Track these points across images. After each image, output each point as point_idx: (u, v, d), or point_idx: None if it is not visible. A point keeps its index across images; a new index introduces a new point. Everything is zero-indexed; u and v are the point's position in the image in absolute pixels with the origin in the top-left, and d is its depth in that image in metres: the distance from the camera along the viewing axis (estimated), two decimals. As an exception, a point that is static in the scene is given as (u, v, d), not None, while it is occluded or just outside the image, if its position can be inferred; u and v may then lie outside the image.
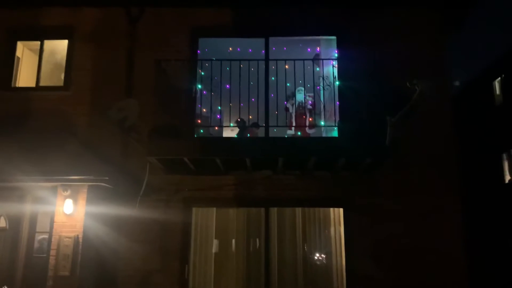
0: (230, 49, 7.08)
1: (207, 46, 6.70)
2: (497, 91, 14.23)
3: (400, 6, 6.51)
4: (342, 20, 6.43)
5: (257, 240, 6.21)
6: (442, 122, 6.21)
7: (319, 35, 6.66)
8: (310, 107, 6.77)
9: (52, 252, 5.46)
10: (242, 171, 6.03)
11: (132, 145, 6.09)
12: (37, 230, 5.90)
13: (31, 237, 5.87)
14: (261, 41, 6.51)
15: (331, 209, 6.31)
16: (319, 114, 6.57)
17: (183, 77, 6.12)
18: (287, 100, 6.65)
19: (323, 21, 6.48)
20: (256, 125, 6.03)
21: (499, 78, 14.11)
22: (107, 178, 5.54)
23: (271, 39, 6.50)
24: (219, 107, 6.18)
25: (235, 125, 6.18)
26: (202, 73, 6.25)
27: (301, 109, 6.77)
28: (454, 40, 13.86)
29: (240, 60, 5.79)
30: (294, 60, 5.80)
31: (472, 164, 14.35)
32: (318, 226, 6.33)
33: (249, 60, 5.87)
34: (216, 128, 6.42)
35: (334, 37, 6.52)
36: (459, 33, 7.32)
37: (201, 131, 6.31)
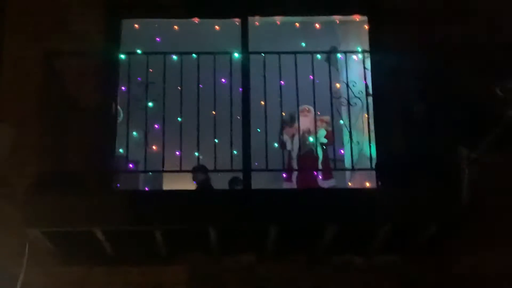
0: (179, 39, 7.27)
1: (136, 33, 6.87)
2: None
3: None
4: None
5: None
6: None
7: (336, 14, 6.85)
8: (325, 140, 6.92)
9: None
10: (200, 256, 6.03)
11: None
12: None
13: None
14: (235, 25, 6.71)
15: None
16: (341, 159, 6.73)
17: (94, 85, 6.23)
18: (283, 128, 6.76)
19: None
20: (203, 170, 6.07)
21: None
22: None
23: (252, 20, 6.71)
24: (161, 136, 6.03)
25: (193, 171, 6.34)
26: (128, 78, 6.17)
27: (308, 144, 6.84)
28: None
29: (198, 53, 5.92)
30: (294, 53, 5.90)
31: None
32: None
33: (214, 53, 5.94)
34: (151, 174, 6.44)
35: (364, 18, 6.72)
36: None
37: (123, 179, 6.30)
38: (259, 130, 6.14)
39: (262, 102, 6.02)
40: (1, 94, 6.47)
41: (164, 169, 6.26)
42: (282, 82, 6.03)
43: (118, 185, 6.36)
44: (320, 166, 6.91)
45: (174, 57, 6.10)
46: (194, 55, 6.10)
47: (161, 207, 5.49)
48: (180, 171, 5.90)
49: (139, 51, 6.31)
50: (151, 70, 5.95)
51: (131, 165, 6.47)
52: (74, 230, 5.54)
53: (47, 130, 5.85)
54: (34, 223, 5.45)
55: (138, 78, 6.23)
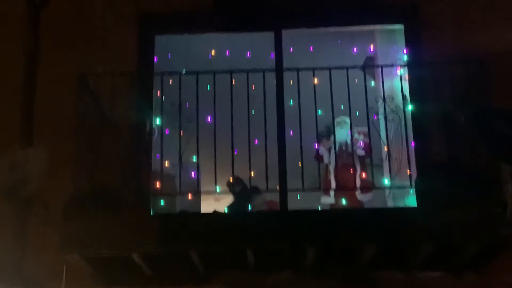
0: (213, 53, 7.44)
1: (171, 49, 6.93)
2: None
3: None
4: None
5: None
6: None
7: (372, 23, 6.80)
8: (362, 152, 6.94)
9: None
10: (238, 273, 6.02)
11: (33, 231, 6.09)
12: None
13: None
14: (268, 36, 6.65)
15: None
16: (379, 165, 6.53)
17: (127, 105, 6.25)
18: (319, 141, 6.76)
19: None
20: (257, 190, 6.16)
21: None
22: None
23: (286, 32, 6.62)
24: (195, 158, 6.10)
25: (225, 190, 6.27)
26: (163, 96, 6.21)
27: (345, 157, 6.79)
28: None
29: (231, 72, 5.92)
30: (329, 68, 5.85)
31: None
32: None
33: (247, 71, 5.91)
34: (190, 196, 6.36)
35: (400, 26, 6.64)
36: None
37: (162, 202, 6.31)
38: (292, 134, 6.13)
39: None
40: (37, 116, 6.51)
41: (201, 185, 6.29)
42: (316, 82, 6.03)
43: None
44: (358, 179, 6.79)
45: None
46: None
47: (197, 230, 5.47)
48: (216, 192, 5.94)
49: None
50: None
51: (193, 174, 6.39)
52: (111, 254, 5.53)
53: (82, 151, 5.87)
54: (71, 248, 5.45)
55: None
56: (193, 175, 6.35)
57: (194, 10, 6.70)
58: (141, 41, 6.69)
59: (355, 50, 7.29)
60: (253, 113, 5.94)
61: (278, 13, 6.61)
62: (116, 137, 6.15)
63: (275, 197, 6.36)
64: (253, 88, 6.01)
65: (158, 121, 6.38)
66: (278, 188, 5.87)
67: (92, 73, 6.06)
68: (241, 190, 6.81)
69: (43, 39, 6.73)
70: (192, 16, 6.70)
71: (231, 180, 6.33)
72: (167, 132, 6.35)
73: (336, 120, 6.62)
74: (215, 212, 6.16)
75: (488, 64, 5.82)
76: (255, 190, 6.40)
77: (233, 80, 5.86)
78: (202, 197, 7.11)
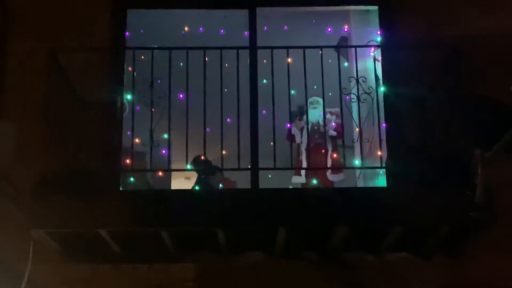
0: (186, 29, 7.34)
1: (143, 24, 6.85)
2: None
3: None
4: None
5: None
6: None
7: (347, 4, 6.74)
8: (334, 133, 6.90)
9: None
10: (209, 254, 6.01)
11: (0, 209, 5.98)
12: None
13: None
14: (242, 14, 6.60)
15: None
16: (351, 147, 6.51)
17: (98, 81, 6.17)
18: (291, 121, 6.74)
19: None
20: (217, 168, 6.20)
21: None
22: None
23: (260, 10, 6.57)
24: (166, 135, 6.05)
25: (194, 167, 6.20)
26: (135, 72, 6.12)
27: (317, 137, 6.73)
28: None
29: (204, 48, 5.85)
30: (303, 47, 5.81)
31: None
32: None
33: (221, 48, 5.87)
34: (161, 173, 6.29)
35: (374, 7, 6.62)
36: None
37: (132, 179, 6.24)
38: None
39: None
40: (6, 91, 6.41)
41: (172, 162, 6.23)
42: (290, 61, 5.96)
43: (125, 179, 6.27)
44: (329, 159, 6.77)
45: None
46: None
47: (168, 208, 5.44)
48: (185, 170, 5.85)
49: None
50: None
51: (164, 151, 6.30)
52: (78, 230, 5.50)
53: (52, 127, 5.78)
54: (38, 224, 5.40)
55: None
56: (164, 153, 6.27)
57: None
58: (112, 15, 6.58)
59: (329, 30, 7.23)
60: (225, 91, 5.88)
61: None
62: (86, 114, 6.04)
63: (232, 176, 6.39)
64: (227, 66, 5.93)
65: (129, 97, 6.29)
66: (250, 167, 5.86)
67: (63, 48, 5.96)
68: (202, 167, 6.75)
69: (13, 14, 6.60)
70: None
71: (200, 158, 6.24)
72: (138, 109, 6.28)
73: (309, 101, 6.58)
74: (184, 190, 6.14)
75: (462, 49, 5.83)
76: (215, 168, 6.44)
77: (206, 57, 5.80)
78: (173, 175, 7.04)
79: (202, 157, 6.18)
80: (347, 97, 6.09)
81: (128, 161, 6.18)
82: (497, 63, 6.21)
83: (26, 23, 6.58)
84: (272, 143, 5.83)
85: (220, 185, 6.93)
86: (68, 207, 5.36)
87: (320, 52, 5.88)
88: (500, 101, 5.31)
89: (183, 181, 7.36)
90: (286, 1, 6.68)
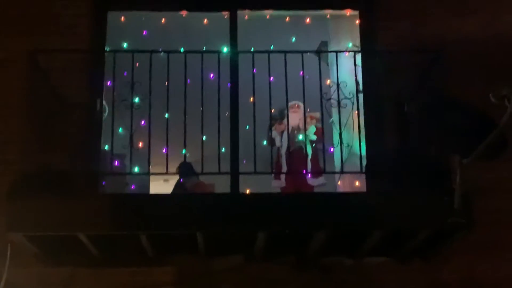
0: (167, 32, 7.27)
1: (123, 26, 6.79)
2: None
3: None
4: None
5: None
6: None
7: (327, 8, 6.81)
8: (314, 137, 6.93)
9: None
10: (188, 258, 6.03)
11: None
12: None
13: None
14: (223, 18, 6.65)
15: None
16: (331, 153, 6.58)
17: (79, 83, 6.19)
18: (272, 126, 6.68)
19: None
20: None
21: None
22: None
23: (241, 14, 6.64)
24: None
25: (177, 172, 6.30)
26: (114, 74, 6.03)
27: (297, 141, 6.78)
28: None
29: (185, 52, 5.89)
30: (285, 52, 5.84)
31: None
32: None
33: (202, 52, 5.93)
34: (140, 178, 6.58)
35: (355, 13, 6.69)
36: None
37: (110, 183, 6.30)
38: (248, 127, 6.04)
39: (252, 99, 5.92)
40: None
41: (151, 165, 6.17)
42: (272, 78, 5.96)
43: (104, 182, 6.23)
44: (309, 163, 6.80)
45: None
46: (182, 49, 6.06)
47: (147, 212, 5.44)
48: (166, 173, 5.83)
49: (125, 45, 6.41)
50: (137, 64, 5.83)
51: (116, 162, 6.32)
52: (56, 234, 5.48)
53: (31, 127, 5.81)
54: (16, 227, 5.37)
55: (124, 73, 6.04)
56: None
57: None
58: (93, 17, 6.56)
59: (310, 35, 7.22)
60: (205, 94, 5.86)
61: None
62: (66, 115, 6.05)
63: (211, 179, 6.39)
64: (207, 70, 5.92)
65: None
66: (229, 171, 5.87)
67: (43, 49, 5.93)
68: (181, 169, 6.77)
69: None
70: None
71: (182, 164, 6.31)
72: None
73: (289, 105, 6.56)
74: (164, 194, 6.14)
75: (443, 54, 5.85)
76: (192, 172, 6.50)
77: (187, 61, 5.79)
78: (151, 178, 6.98)
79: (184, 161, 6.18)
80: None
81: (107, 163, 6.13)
82: (477, 68, 6.28)
83: (6, 24, 6.53)
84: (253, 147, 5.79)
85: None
86: (46, 208, 5.33)
87: (301, 56, 5.88)
88: (480, 107, 5.31)
89: (162, 183, 7.31)
90: (267, 5, 6.70)
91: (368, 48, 6.38)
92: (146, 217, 5.40)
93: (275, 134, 6.90)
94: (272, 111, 6.36)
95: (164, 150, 5.80)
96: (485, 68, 6.23)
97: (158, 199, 5.84)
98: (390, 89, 6.06)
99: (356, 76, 6.12)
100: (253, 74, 5.86)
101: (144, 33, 7.26)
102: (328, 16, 6.91)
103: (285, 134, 6.94)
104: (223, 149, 5.75)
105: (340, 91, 5.90)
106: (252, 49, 6.07)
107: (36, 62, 5.79)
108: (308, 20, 7.02)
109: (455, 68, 6.09)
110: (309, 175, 6.66)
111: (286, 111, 6.62)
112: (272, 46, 6.56)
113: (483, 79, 6.10)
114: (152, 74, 5.74)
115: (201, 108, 5.80)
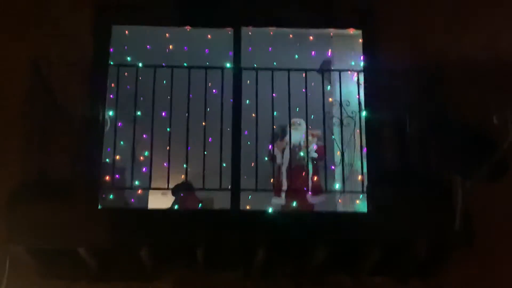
0: (171, 47, 7.24)
1: (127, 41, 6.78)
2: None
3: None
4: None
5: None
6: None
7: (330, 27, 6.77)
8: (316, 154, 6.78)
9: None
10: (186, 272, 5.99)
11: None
12: None
13: None
14: (227, 33, 6.58)
15: None
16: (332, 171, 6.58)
17: (81, 94, 6.13)
18: (273, 142, 6.70)
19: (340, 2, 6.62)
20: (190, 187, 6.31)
21: None
22: None
23: (245, 30, 6.59)
24: (147, 153, 6.07)
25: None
26: (118, 88, 6.11)
27: (298, 159, 6.76)
28: None
29: (189, 67, 5.93)
30: (288, 70, 5.88)
31: None
32: None
33: (205, 67, 5.96)
34: (140, 191, 6.44)
35: (358, 32, 6.65)
36: None
37: (111, 196, 6.23)
38: (249, 143, 6.09)
39: (254, 115, 5.98)
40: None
41: (152, 179, 6.18)
42: (274, 95, 6.01)
43: (104, 195, 6.21)
44: (310, 181, 6.75)
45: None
46: (185, 64, 6.16)
47: (146, 227, 5.47)
48: (167, 188, 5.91)
49: (129, 59, 6.34)
50: (140, 78, 5.91)
51: (117, 176, 6.31)
52: (57, 247, 5.49)
53: (32, 138, 5.77)
54: (15, 239, 5.39)
55: (127, 87, 6.07)
56: (144, 170, 6.24)
57: (153, 2, 6.58)
58: (97, 30, 6.51)
59: (313, 53, 7.21)
60: (208, 110, 5.91)
61: (238, 10, 6.52)
62: (67, 127, 6.00)
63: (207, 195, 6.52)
64: (210, 85, 5.98)
65: (111, 113, 6.28)
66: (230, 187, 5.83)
67: (45, 59, 5.90)
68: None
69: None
70: (151, 8, 6.57)
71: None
72: (120, 125, 6.23)
73: (292, 122, 6.52)
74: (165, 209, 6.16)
75: (444, 74, 5.89)
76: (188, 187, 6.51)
77: (191, 76, 5.83)
78: (150, 192, 6.97)
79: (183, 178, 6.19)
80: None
81: (107, 178, 6.15)
82: (478, 88, 6.24)
83: (10, 33, 6.47)
84: (253, 164, 5.86)
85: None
86: (46, 221, 5.35)
87: (305, 74, 5.94)
88: (481, 127, 5.32)
89: (160, 197, 7.28)
90: (270, 22, 6.67)
91: (370, 67, 6.33)
92: (146, 231, 5.41)
93: (276, 151, 6.86)
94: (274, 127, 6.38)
95: (165, 164, 5.84)
96: (485, 88, 6.20)
97: (158, 213, 5.86)
98: (392, 108, 6.02)
99: (359, 94, 6.14)
100: (256, 92, 5.92)
101: (147, 47, 7.26)
102: (331, 35, 6.87)
103: (286, 151, 6.89)
104: (224, 164, 5.79)
105: (343, 109, 5.97)
106: (255, 65, 6.10)
107: (39, 71, 5.78)
108: (311, 38, 6.99)
109: (457, 88, 6.10)
110: (310, 193, 6.60)
111: (287, 128, 6.59)
112: (275, 62, 6.56)
113: (483, 99, 6.06)
114: (155, 90, 5.81)
115: (203, 123, 5.86)
